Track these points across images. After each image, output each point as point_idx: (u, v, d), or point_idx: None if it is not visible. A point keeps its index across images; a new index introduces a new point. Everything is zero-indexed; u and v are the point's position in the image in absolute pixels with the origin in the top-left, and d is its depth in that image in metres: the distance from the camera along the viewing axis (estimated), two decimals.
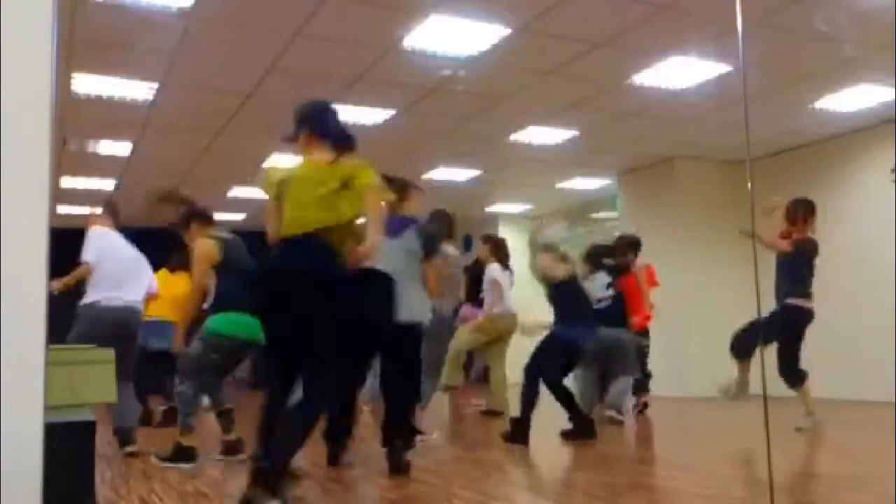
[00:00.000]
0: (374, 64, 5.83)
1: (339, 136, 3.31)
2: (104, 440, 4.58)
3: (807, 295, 5.45)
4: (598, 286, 6.01)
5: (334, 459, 4.17)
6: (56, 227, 1.53)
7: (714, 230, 8.76)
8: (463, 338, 6.57)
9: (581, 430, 5.08)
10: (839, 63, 6.10)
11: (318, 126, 3.32)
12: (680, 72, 6.20)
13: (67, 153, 8.01)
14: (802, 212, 5.53)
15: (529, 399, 5.05)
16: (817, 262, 5.62)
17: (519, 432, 4.96)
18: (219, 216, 5.11)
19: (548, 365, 5.08)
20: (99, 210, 4.98)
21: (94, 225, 4.84)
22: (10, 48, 1.47)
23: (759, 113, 7.22)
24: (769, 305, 5.65)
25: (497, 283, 6.44)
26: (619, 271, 6.29)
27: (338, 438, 4.19)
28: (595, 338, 5.32)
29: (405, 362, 4.22)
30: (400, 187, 4.26)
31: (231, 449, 4.62)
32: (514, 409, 5.31)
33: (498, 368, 6.78)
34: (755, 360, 5.47)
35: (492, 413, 6.95)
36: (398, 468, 3.92)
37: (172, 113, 6.88)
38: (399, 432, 4.11)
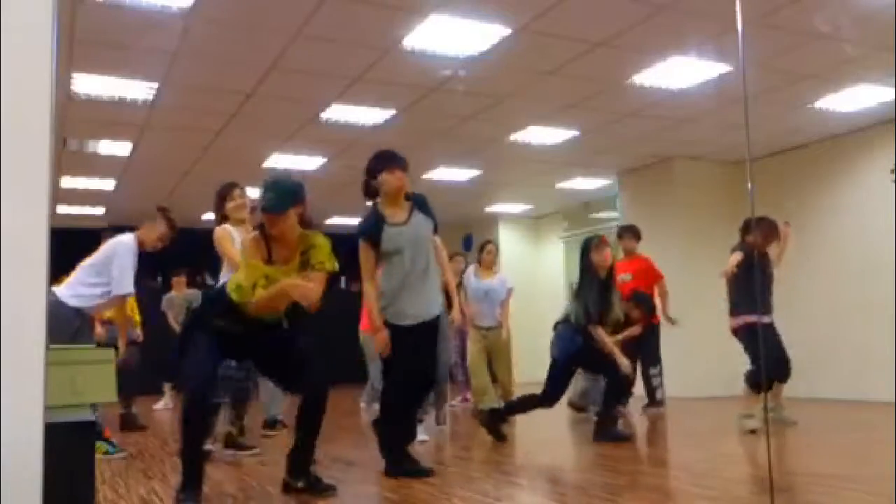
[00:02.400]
0: (374, 64, 5.83)
1: None
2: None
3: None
4: None
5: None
6: (56, 227, 1.53)
7: (714, 230, 8.76)
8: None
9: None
10: (839, 63, 6.10)
11: None
12: (680, 72, 6.19)
13: (67, 153, 8.01)
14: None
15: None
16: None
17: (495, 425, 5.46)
18: None
19: None
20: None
21: None
22: (10, 48, 1.47)
23: (759, 113, 7.22)
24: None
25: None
26: None
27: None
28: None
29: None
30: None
31: (237, 444, 4.72)
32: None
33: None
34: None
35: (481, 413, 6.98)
36: (395, 472, 3.96)
37: (172, 113, 6.88)
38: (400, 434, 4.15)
